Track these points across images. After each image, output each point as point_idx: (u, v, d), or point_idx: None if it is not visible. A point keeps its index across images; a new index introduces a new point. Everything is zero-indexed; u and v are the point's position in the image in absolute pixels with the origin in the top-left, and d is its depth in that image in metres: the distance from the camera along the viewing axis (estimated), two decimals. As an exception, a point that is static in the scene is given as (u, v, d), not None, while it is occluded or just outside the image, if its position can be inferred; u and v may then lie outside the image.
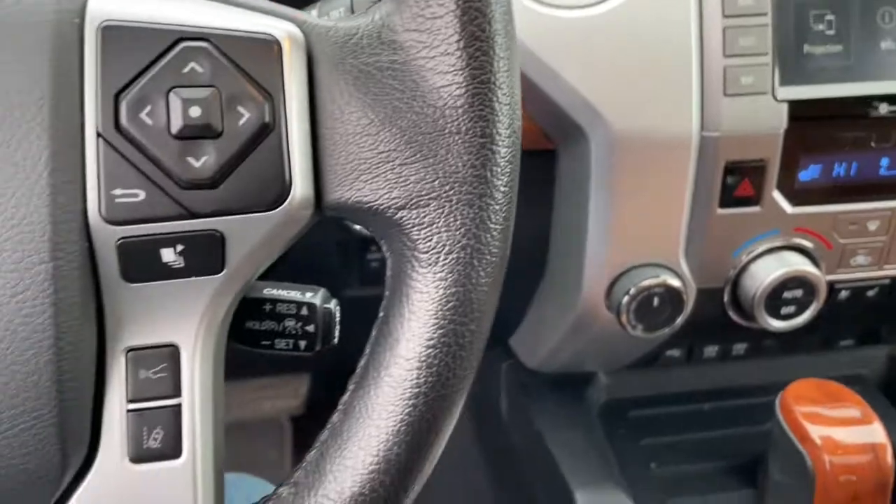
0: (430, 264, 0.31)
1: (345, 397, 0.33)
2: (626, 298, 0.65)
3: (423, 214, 0.30)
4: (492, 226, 0.30)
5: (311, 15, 0.31)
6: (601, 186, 0.63)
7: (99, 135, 0.28)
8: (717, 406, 0.91)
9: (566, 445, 0.85)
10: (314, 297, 0.39)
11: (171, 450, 0.31)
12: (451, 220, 0.30)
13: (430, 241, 0.30)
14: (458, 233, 0.30)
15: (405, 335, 0.31)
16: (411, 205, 0.30)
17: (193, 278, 0.30)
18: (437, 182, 0.30)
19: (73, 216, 0.28)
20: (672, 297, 0.66)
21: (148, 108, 0.28)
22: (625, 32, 0.60)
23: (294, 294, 0.39)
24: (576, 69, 0.59)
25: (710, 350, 0.85)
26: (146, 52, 0.28)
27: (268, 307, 0.37)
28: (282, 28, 0.30)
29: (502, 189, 0.30)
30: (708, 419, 0.89)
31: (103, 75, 0.28)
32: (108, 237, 0.28)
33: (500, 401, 0.99)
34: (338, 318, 0.40)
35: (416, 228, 0.30)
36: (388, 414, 0.31)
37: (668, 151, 0.62)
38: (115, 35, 0.28)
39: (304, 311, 0.39)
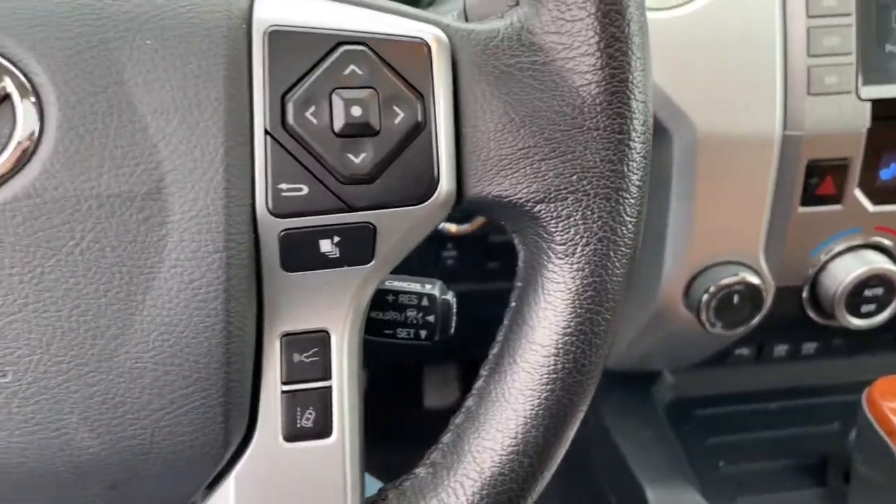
0: (566, 255, 0.32)
1: (478, 383, 0.34)
2: (705, 296, 0.66)
3: (560, 208, 0.32)
4: (627, 218, 0.32)
5: (450, 19, 0.33)
6: (683, 185, 0.64)
7: (267, 133, 0.30)
8: (784, 405, 0.91)
9: (635, 442, 0.86)
10: (433, 288, 0.41)
11: (322, 429, 0.32)
12: (589, 212, 0.32)
13: (568, 233, 0.32)
14: (595, 225, 0.32)
15: (540, 323, 0.33)
16: (549, 199, 0.32)
17: (346, 268, 0.32)
18: (574, 177, 0.31)
19: (244, 209, 0.30)
20: (752, 295, 0.66)
21: (313, 108, 0.30)
22: (709, 33, 0.60)
23: (415, 285, 0.41)
24: (660, 69, 0.60)
25: (780, 349, 0.85)
26: (309, 55, 0.30)
27: (390, 298, 0.39)
28: (429, 31, 0.31)
29: (637, 183, 0.32)
30: (775, 418, 0.89)
31: (271, 77, 0.30)
32: (272, 229, 0.30)
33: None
34: (455, 309, 0.41)
35: (553, 221, 0.32)
36: (525, 399, 0.32)
37: (751, 151, 0.63)
38: (281, 40, 0.30)
39: (425, 302, 0.41)
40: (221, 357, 0.30)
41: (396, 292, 0.39)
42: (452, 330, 0.42)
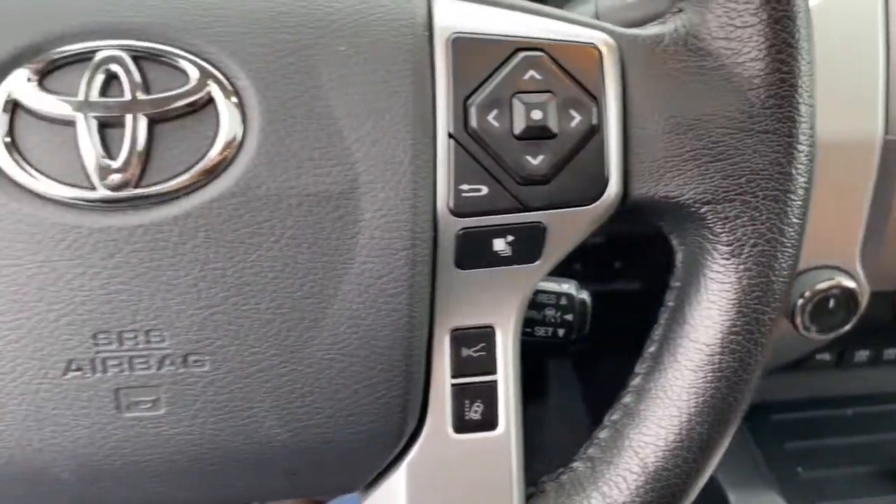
0: (732, 256, 0.33)
1: (635, 381, 0.35)
2: (801, 300, 0.66)
3: (728, 209, 0.33)
4: (794, 219, 0.33)
5: (613, 25, 0.34)
6: (781, 189, 0.64)
7: (450, 136, 0.31)
8: (863, 411, 0.90)
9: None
10: (570, 287, 0.42)
11: (490, 421, 0.34)
12: (757, 214, 0.32)
13: (735, 233, 0.33)
14: (763, 227, 0.32)
15: (703, 322, 0.33)
16: (717, 200, 0.33)
17: (514, 266, 0.33)
18: (743, 179, 0.32)
19: (427, 208, 0.31)
20: (848, 300, 0.66)
21: (495, 112, 0.31)
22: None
23: (552, 284, 0.42)
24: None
25: (861, 354, 0.85)
26: (490, 61, 0.31)
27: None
28: (598, 37, 0.32)
29: (804, 185, 0.33)
30: (854, 424, 0.89)
31: (454, 82, 0.31)
32: (450, 228, 0.31)
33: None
34: (591, 309, 0.42)
35: (720, 222, 0.33)
36: (689, 396, 0.33)
37: (851, 155, 0.63)
38: (463, 46, 0.31)
39: (563, 301, 0.42)
40: (404, 350, 0.31)
41: (535, 290, 0.40)
42: (587, 329, 0.43)
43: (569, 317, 0.42)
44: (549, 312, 0.42)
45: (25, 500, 0.32)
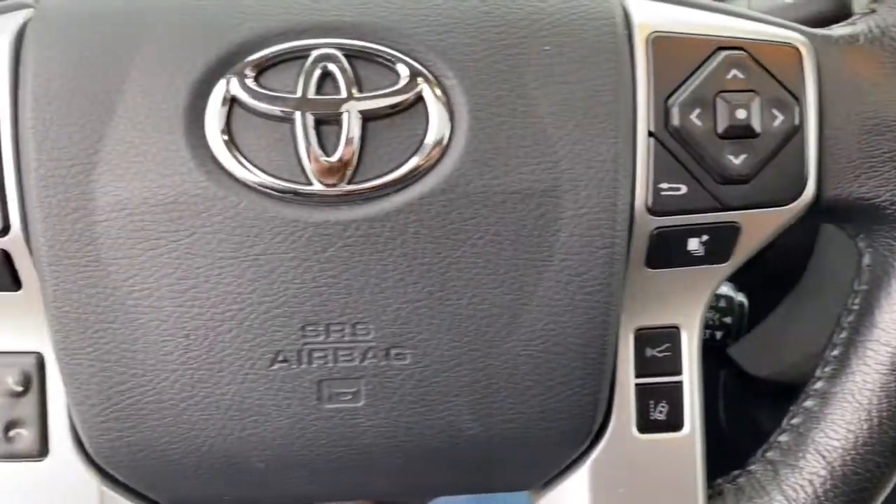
0: None
1: (817, 385, 0.35)
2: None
3: None
4: None
5: (803, 25, 0.34)
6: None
7: (651, 134, 0.31)
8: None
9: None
10: (728, 289, 0.42)
11: (675, 422, 0.33)
12: None
13: None
14: None
15: (895, 326, 0.33)
16: None
17: (704, 266, 0.33)
18: None
19: (626, 207, 0.31)
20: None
21: (697, 111, 0.31)
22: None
23: None
24: None
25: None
26: (690, 59, 0.31)
27: None
28: (794, 36, 0.32)
29: None
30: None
31: (655, 81, 0.31)
32: (646, 226, 0.32)
33: (718, 408, 0.99)
34: (747, 312, 0.42)
35: None
36: (880, 399, 0.33)
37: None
38: (663, 45, 0.31)
39: (722, 303, 0.41)
40: (598, 348, 0.31)
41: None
42: (745, 332, 0.42)
43: (727, 319, 0.42)
44: (708, 314, 0.41)
45: (214, 488, 0.33)
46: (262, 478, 0.32)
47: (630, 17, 0.32)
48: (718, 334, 0.41)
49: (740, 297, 0.41)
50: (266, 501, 0.34)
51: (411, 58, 0.30)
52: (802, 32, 0.33)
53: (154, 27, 0.30)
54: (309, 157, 0.29)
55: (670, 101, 0.31)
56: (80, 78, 0.29)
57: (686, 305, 0.33)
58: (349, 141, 0.29)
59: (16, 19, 0.31)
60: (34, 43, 0.30)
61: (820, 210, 0.33)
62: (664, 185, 0.31)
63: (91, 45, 0.30)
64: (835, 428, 0.33)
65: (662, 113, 0.31)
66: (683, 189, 0.31)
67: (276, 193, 0.29)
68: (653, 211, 0.31)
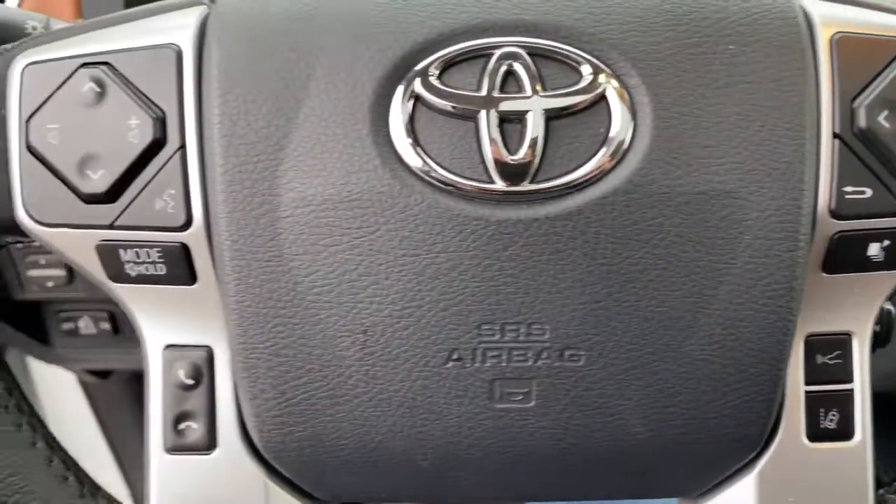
0: None
1: None
2: None
3: None
4: None
5: None
6: None
7: (836, 136, 0.30)
8: None
9: None
10: None
11: (846, 431, 0.33)
12: None
13: None
14: None
15: None
16: None
17: (883, 272, 0.32)
18: None
19: (810, 210, 0.30)
20: None
21: (885, 113, 0.30)
22: None
23: None
24: None
25: None
26: (877, 60, 0.30)
27: None
28: None
29: None
30: None
31: (840, 82, 0.30)
32: (827, 230, 0.31)
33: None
34: (896, 320, 0.41)
35: None
36: None
37: None
38: (848, 45, 0.30)
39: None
40: (777, 354, 0.31)
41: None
42: (890, 341, 0.41)
43: (876, 327, 0.40)
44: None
45: (375, 486, 0.33)
46: (425, 477, 0.32)
47: (810, 16, 0.31)
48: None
49: (888, 306, 0.40)
50: (422, 501, 0.34)
51: (594, 56, 0.30)
52: None
53: (336, 26, 0.30)
54: (493, 155, 0.29)
55: (856, 102, 0.30)
56: (266, 75, 0.30)
57: (859, 312, 0.33)
58: (533, 140, 0.29)
59: (195, 15, 0.31)
60: (217, 39, 0.30)
61: None
62: (848, 189, 0.30)
63: (275, 43, 0.30)
64: None
65: (848, 114, 0.30)
66: (868, 192, 0.30)
67: (458, 191, 0.29)
68: (835, 214, 0.31)
